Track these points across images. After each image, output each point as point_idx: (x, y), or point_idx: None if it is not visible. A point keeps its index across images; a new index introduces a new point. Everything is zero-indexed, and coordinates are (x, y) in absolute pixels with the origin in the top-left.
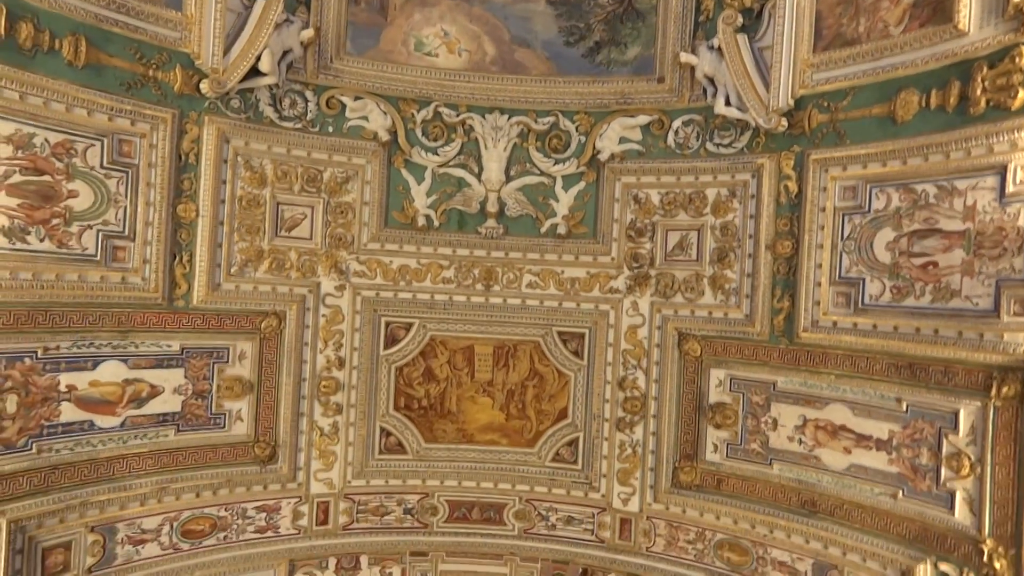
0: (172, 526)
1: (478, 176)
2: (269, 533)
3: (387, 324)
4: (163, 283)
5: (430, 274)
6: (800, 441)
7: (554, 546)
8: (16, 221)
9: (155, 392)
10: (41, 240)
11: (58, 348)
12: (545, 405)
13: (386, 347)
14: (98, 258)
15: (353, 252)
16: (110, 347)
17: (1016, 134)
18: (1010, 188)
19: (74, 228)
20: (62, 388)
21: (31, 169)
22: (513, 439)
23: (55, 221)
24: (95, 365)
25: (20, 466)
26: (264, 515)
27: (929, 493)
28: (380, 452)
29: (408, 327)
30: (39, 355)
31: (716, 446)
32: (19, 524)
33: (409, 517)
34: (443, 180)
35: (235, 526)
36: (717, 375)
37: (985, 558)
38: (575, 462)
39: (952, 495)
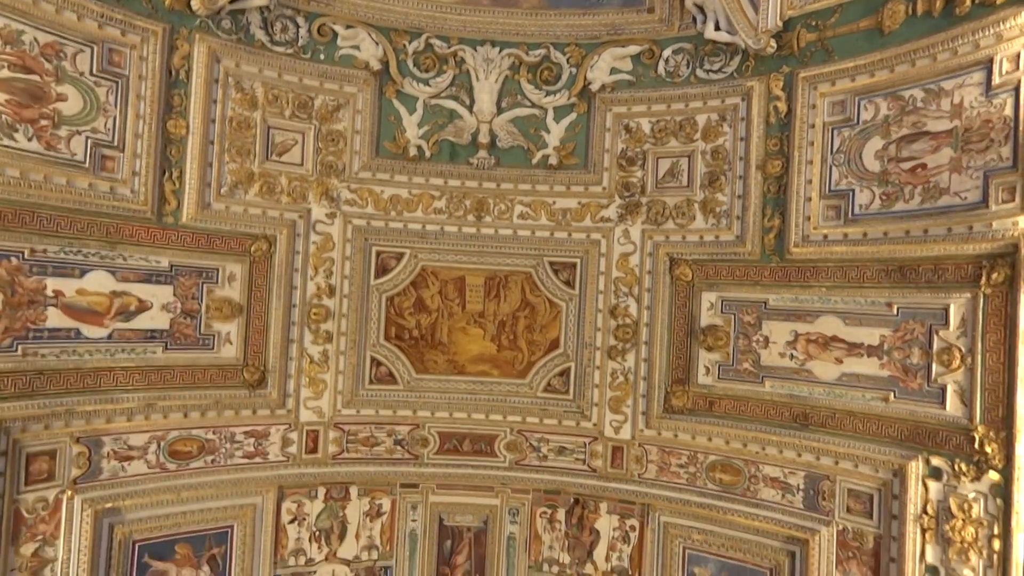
0: (159, 445)
1: (469, 108)
2: (258, 459)
3: (378, 253)
4: (152, 197)
5: (421, 204)
6: (791, 356)
7: (545, 476)
8: (4, 117)
9: (143, 307)
10: (29, 139)
11: (45, 252)
12: (537, 335)
13: (377, 276)
14: (87, 165)
15: (344, 180)
16: (98, 257)
17: (1002, 26)
18: (996, 80)
19: (63, 132)
20: (49, 293)
21: (19, 66)
22: (504, 370)
23: (43, 122)
24: (82, 273)
25: (5, 367)
26: (253, 440)
27: (920, 391)
28: (370, 382)
29: (399, 257)
30: (25, 256)
31: (708, 369)
32: (3, 425)
33: (399, 448)
34: (435, 111)
35: (223, 450)
36: (708, 298)
37: (976, 445)
38: (567, 392)
39: (943, 390)
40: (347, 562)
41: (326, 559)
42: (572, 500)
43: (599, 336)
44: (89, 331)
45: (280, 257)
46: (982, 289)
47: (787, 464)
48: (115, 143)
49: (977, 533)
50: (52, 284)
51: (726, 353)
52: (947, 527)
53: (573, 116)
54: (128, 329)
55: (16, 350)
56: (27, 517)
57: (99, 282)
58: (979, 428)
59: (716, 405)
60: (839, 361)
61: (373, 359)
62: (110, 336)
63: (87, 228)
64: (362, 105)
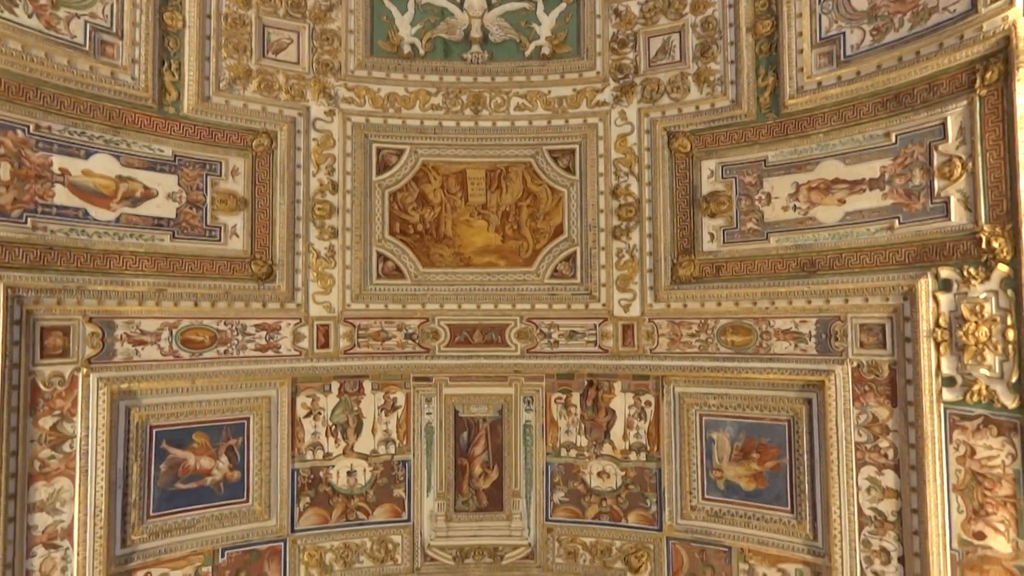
0: (171, 333)
1: (460, 5)
2: (270, 352)
3: (378, 150)
4: (152, 86)
5: (418, 101)
6: (795, 208)
7: (558, 361)
8: None
9: (149, 194)
10: (29, 16)
11: (50, 129)
12: (540, 223)
13: (378, 172)
14: (87, 48)
15: (341, 79)
16: (102, 140)
17: None
18: None
19: (62, 12)
20: (55, 170)
21: None
22: (510, 260)
23: (42, 1)
24: (87, 155)
25: (15, 236)
26: (264, 334)
27: (924, 210)
28: (378, 277)
29: (399, 153)
30: (31, 130)
31: (712, 235)
32: (15, 293)
33: (410, 342)
34: (426, 10)
35: (235, 341)
36: (708, 166)
37: (984, 244)
38: (574, 276)
39: (947, 202)
40: (365, 456)
41: (344, 453)
42: (586, 382)
43: (602, 218)
44: (97, 213)
45: (282, 153)
46: (977, 92)
47: (797, 314)
48: (113, 30)
49: (991, 331)
50: (58, 162)
51: (729, 217)
52: (960, 333)
53: (563, 6)
54: (135, 214)
55: (26, 222)
56: (44, 390)
57: (104, 165)
58: (985, 228)
59: (723, 269)
60: (842, 202)
61: (379, 254)
62: (118, 220)
63: (90, 111)
64: (354, 5)
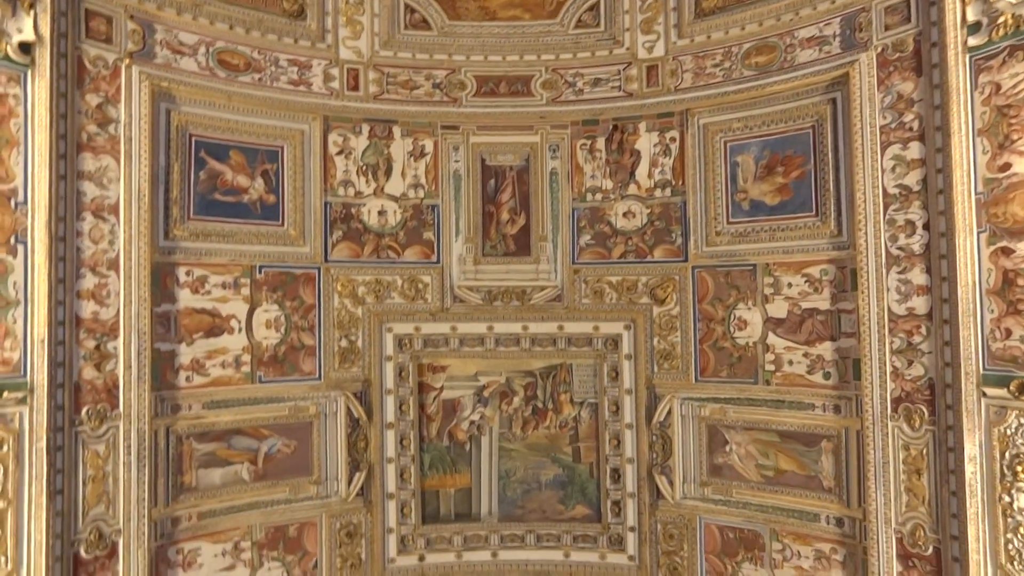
0: (208, 50)
1: None
2: (302, 87)
3: None
4: None
5: None
6: None
7: (583, 107)
8: None
9: None
10: None
11: None
12: None
13: None
14: None
15: None
16: None
17: None
18: None
19: None
20: None
21: None
22: (535, 12)
23: None
24: None
25: None
26: (296, 69)
27: None
28: (405, 28)
29: None
30: None
31: None
32: None
33: (438, 91)
34: None
35: (269, 71)
36: None
37: None
38: (598, 24)
39: None
40: (395, 198)
41: (374, 194)
42: (611, 127)
43: None
44: None
45: None
46: None
47: (822, 17)
48: None
49: None
50: None
51: None
52: None
53: None
54: None
55: None
56: (90, 69)
57: None
58: None
59: None
60: None
61: (407, 5)
62: None
63: None
64: None
